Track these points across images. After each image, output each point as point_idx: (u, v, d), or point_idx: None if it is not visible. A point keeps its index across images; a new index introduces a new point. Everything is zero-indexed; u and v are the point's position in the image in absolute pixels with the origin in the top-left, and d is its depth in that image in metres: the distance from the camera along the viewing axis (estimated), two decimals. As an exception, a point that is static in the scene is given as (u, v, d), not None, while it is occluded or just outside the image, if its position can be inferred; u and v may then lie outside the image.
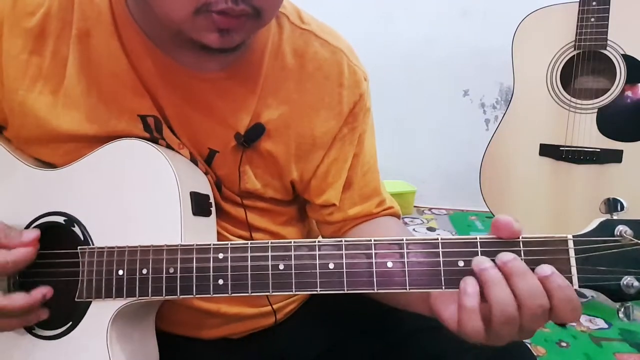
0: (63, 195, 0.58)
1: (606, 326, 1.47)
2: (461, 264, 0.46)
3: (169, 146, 0.60)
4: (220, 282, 0.50)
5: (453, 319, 0.46)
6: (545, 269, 0.44)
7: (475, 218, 2.36)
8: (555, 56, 1.59)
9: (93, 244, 0.55)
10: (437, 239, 0.47)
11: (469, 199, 2.33)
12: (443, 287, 0.47)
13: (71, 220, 0.56)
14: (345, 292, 0.48)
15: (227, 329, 0.67)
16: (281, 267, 0.49)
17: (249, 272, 0.49)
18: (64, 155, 0.60)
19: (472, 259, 0.46)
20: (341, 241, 0.48)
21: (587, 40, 1.53)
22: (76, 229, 0.56)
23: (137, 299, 0.52)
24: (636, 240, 0.44)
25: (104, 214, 0.56)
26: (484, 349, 0.49)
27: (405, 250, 0.47)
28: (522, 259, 0.45)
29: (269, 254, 0.49)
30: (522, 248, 0.45)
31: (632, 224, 0.45)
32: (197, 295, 0.51)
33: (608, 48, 1.51)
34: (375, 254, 0.48)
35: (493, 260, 0.45)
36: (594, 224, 0.46)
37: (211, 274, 0.50)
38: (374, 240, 0.48)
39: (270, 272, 0.49)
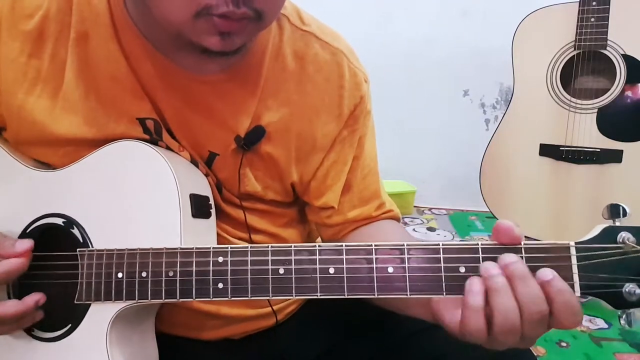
0: (62, 197, 0.58)
1: (606, 326, 1.47)
2: (462, 270, 0.46)
3: (168, 148, 0.60)
4: (220, 285, 0.50)
5: (455, 322, 0.46)
6: (547, 273, 0.44)
7: (475, 218, 2.36)
8: (555, 56, 1.59)
9: (92, 246, 0.55)
10: (439, 245, 0.47)
11: (469, 199, 2.33)
12: (444, 293, 0.46)
13: (70, 222, 0.56)
14: (346, 297, 0.48)
15: (227, 330, 0.67)
16: (281, 271, 0.49)
17: (249, 276, 0.49)
18: (62, 157, 0.60)
19: (473, 265, 0.46)
20: (342, 246, 0.48)
21: (587, 40, 1.53)
22: (75, 231, 0.56)
23: (137, 301, 0.52)
24: (639, 248, 0.43)
25: (103, 216, 0.56)
26: (484, 350, 0.48)
27: (406, 256, 0.47)
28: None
29: (269, 258, 0.49)
30: (524, 254, 0.45)
31: (635, 230, 0.44)
32: (196, 299, 0.50)
33: (608, 48, 1.51)
34: (376, 258, 0.47)
35: None
36: (596, 231, 0.46)
37: (211, 277, 0.50)
38: (375, 245, 0.48)
39: (270, 276, 0.49)
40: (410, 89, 2.40)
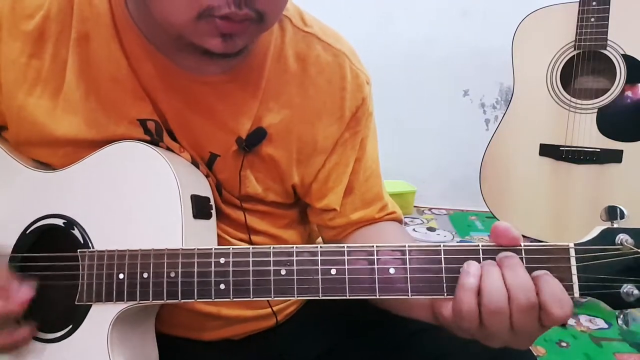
0: (62, 198, 0.58)
1: (606, 326, 1.47)
2: (463, 271, 0.47)
3: (169, 149, 0.60)
4: (222, 286, 0.50)
5: (450, 309, 0.47)
6: (539, 271, 0.45)
7: (475, 218, 2.36)
8: (555, 56, 1.59)
9: (93, 247, 0.55)
10: (440, 246, 0.47)
11: (469, 199, 2.33)
12: (445, 294, 0.47)
13: (70, 222, 0.56)
14: (348, 297, 0.48)
15: (227, 331, 0.67)
16: (283, 272, 0.49)
17: (251, 277, 0.49)
18: (62, 158, 0.60)
19: None
20: (343, 247, 0.49)
21: (587, 40, 1.53)
22: (75, 232, 0.56)
23: (138, 302, 0.52)
24: (637, 249, 0.44)
25: (103, 217, 0.56)
26: (485, 350, 0.49)
27: (407, 257, 0.48)
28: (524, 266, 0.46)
29: (271, 259, 0.49)
30: (524, 255, 0.46)
31: (633, 232, 0.45)
32: (198, 300, 0.51)
33: (608, 48, 1.51)
34: (378, 259, 0.48)
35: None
36: (595, 232, 0.46)
37: (213, 278, 0.50)
38: (377, 247, 0.48)
39: (272, 277, 0.49)
40: (410, 89, 2.40)
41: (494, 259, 0.46)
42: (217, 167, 0.62)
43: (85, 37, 0.58)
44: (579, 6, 1.53)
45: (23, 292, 0.53)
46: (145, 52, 0.58)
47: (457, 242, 2.07)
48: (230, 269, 0.50)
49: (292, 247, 0.49)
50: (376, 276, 0.48)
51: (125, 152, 0.57)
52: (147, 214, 0.55)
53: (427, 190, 2.48)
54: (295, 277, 0.49)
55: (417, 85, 2.40)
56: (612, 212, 0.46)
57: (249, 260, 0.50)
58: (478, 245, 0.47)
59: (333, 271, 0.48)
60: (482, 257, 0.47)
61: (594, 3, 1.51)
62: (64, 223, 0.57)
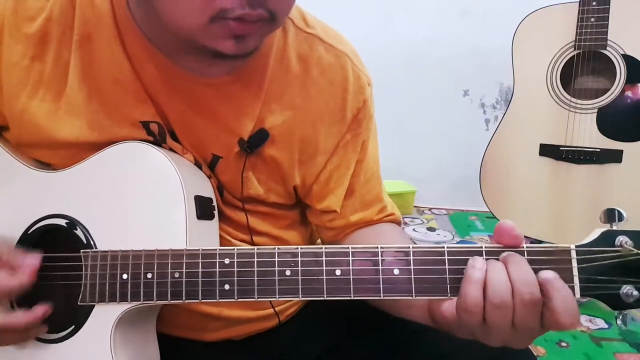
0: (64, 198, 0.58)
1: (606, 326, 1.47)
2: (467, 272, 0.47)
3: (172, 151, 0.60)
4: (227, 287, 0.50)
5: (451, 309, 0.47)
6: (548, 273, 0.45)
7: (475, 218, 2.37)
8: (555, 56, 1.59)
9: (96, 247, 0.55)
10: (443, 247, 0.48)
11: (469, 199, 2.33)
12: (449, 295, 0.48)
13: (73, 223, 0.56)
14: (352, 298, 0.48)
15: (229, 332, 0.67)
16: (288, 273, 0.49)
17: (255, 278, 0.50)
18: (63, 158, 0.59)
19: None
20: (348, 248, 0.49)
21: (587, 40, 1.53)
22: (78, 232, 0.56)
23: (142, 303, 0.52)
24: (636, 251, 0.45)
25: (107, 217, 0.56)
26: (485, 350, 0.49)
27: (411, 258, 0.48)
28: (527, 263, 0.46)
29: (276, 259, 0.50)
30: (526, 257, 0.46)
31: (632, 234, 0.46)
32: (202, 300, 0.51)
33: (608, 48, 1.51)
34: (382, 260, 0.48)
35: None
36: (595, 234, 0.47)
37: (217, 279, 0.50)
38: (381, 248, 0.49)
39: (276, 277, 0.49)
40: (410, 89, 2.40)
41: (497, 260, 0.47)
42: (220, 168, 0.62)
43: (88, 38, 0.57)
44: (579, 6, 1.53)
45: (30, 259, 0.53)
46: (147, 54, 0.58)
47: (457, 242, 2.07)
48: (235, 269, 0.50)
49: (297, 248, 0.50)
50: (380, 277, 0.48)
51: (128, 152, 0.57)
52: (150, 215, 0.55)
53: (427, 190, 2.48)
54: (300, 278, 0.49)
55: (417, 85, 2.40)
56: (611, 215, 0.47)
57: (254, 261, 0.50)
58: (481, 247, 0.47)
59: (338, 272, 0.49)
60: (485, 259, 0.47)
61: (594, 3, 1.51)
62: (66, 223, 0.56)
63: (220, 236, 0.62)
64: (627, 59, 1.49)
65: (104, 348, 0.53)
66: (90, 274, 0.54)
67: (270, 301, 0.67)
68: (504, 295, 0.44)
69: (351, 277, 0.48)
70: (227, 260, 0.50)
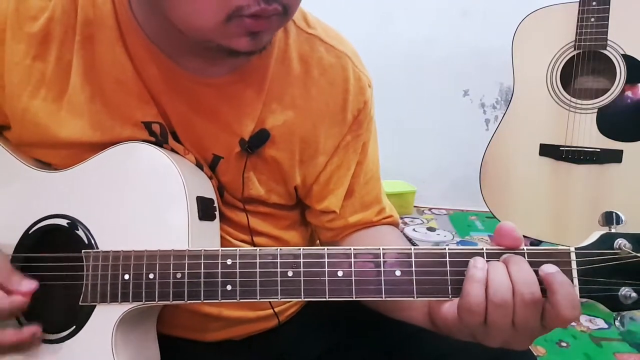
0: (66, 198, 0.58)
1: (606, 326, 1.47)
2: (468, 273, 0.48)
3: (173, 151, 0.60)
4: (229, 287, 0.50)
5: (452, 310, 0.47)
6: (550, 266, 0.46)
7: (475, 218, 2.37)
8: (555, 56, 1.59)
9: (97, 248, 0.55)
10: (445, 249, 0.48)
11: (469, 199, 2.33)
12: (450, 296, 0.48)
13: (74, 223, 0.56)
14: (354, 299, 0.49)
15: (229, 332, 0.67)
16: (290, 274, 0.49)
17: (258, 279, 0.50)
18: (64, 158, 0.59)
19: None
20: (350, 249, 0.49)
21: (587, 40, 1.53)
22: (80, 232, 0.56)
23: (144, 303, 0.52)
24: (634, 253, 0.46)
25: (108, 217, 0.56)
26: (485, 350, 0.49)
27: (413, 259, 0.48)
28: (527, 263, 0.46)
29: (278, 260, 0.50)
30: (526, 259, 0.47)
31: (631, 237, 0.47)
32: (204, 301, 0.51)
33: (608, 48, 1.51)
34: (384, 262, 0.49)
35: None
36: (594, 237, 0.48)
37: (219, 279, 0.50)
38: (383, 249, 0.49)
39: (279, 278, 0.49)
40: (410, 89, 2.40)
41: (498, 261, 0.47)
42: (220, 169, 0.62)
43: (90, 39, 0.57)
44: (579, 6, 1.53)
45: (26, 284, 0.53)
46: (149, 54, 0.57)
47: (457, 242, 2.07)
48: (237, 270, 0.50)
49: (299, 249, 0.50)
50: (382, 278, 0.48)
51: (130, 152, 0.57)
52: (152, 215, 0.55)
53: (427, 190, 2.48)
54: (302, 279, 0.49)
55: (417, 85, 2.40)
56: (609, 218, 0.48)
57: (256, 262, 0.50)
58: (482, 249, 0.48)
59: (340, 273, 0.49)
60: (486, 261, 0.47)
61: (594, 3, 1.51)
62: (67, 223, 0.56)
63: (221, 237, 0.62)
64: (627, 59, 1.50)
65: (105, 348, 0.53)
66: (92, 274, 0.54)
67: (269, 302, 0.67)
68: (505, 295, 0.44)
69: (353, 278, 0.49)
70: (229, 261, 0.50)
